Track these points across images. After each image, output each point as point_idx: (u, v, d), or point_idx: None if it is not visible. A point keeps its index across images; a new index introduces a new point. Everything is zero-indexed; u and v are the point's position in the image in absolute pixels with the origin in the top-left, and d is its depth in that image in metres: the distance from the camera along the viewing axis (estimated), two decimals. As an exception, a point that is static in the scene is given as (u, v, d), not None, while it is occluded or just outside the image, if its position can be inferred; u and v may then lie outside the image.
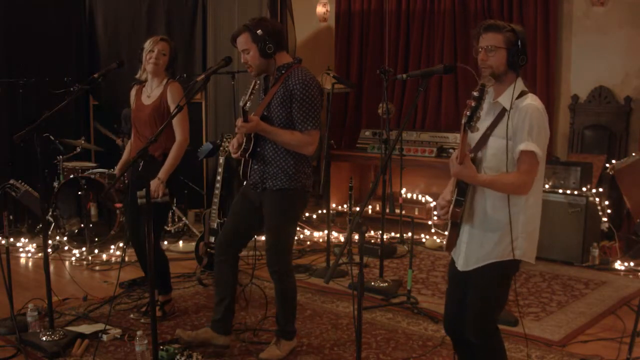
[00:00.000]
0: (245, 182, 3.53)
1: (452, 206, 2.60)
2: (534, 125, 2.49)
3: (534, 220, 2.64)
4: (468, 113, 2.34)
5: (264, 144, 3.34)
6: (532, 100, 2.54)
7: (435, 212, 2.74)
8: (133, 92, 4.12)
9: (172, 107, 3.90)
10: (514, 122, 2.50)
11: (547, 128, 2.56)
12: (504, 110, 2.55)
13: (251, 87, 3.28)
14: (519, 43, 2.57)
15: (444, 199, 2.70)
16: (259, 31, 3.25)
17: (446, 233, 2.73)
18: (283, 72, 3.33)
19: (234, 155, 3.45)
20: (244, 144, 3.36)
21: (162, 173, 3.83)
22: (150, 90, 4.01)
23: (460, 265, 2.70)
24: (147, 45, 3.96)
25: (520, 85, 2.59)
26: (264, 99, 3.35)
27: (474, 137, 2.62)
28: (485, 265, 2.61)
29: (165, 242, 6.01)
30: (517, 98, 2.54)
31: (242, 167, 3.46)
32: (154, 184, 3.78)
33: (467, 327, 2.65)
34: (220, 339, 3.52)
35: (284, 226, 3.41)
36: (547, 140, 2.57)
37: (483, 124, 2.56)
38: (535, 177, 2.53)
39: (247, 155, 3.36)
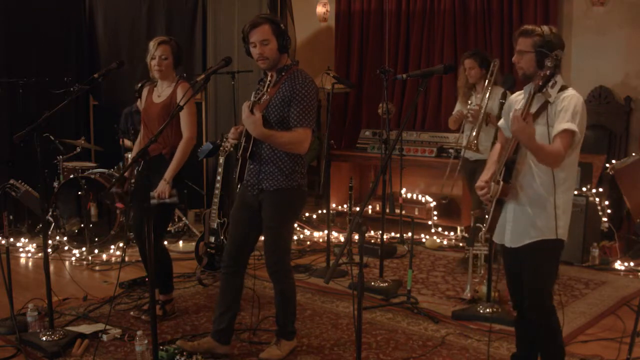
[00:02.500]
0: (240, 186, 3.52)
1: (501, 183, 2.82)
2: (577, 111, 2.74)
3: (569, 203, 2.90)
4: (540, 83, 2.66)
5: (261, 143, 3.34)
6: (574, 92, 2.80)
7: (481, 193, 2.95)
8: (145, 92, 4.14)
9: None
10: (556, 110, 2.76)
11: (585, 119, 2.80)
12: (546, 102, 2.78)
13: (268, 81, 3.27)
14: (545, 46, 2.78)
15: (482, 181, 2.96)
16: (282, 25, 3.26)
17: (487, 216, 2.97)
18: (283, 73, 3.33)
19: (231, 139, 3.41)
20: (243, 142, 3.35)
21: (168, 173, 3.83)
22: (161, 89, 4.03)
23: (508, 242, 2.94)
24: (150, 48, 3.97)
25: (560, 80, 2.82)
26: (264, 99, 3.33)
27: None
28: (532, 242, 2.84)
29: (165, 242, 6.00)
30: (559, 92, 2.79)
31: (238, 169, 3.44)
32: (160, 185, 3.78)
33: (530, 310, 2.90)
34: (222, 348, 3.51)
35: (283, 226, 3.41)
36: (584, 131, 2.80)
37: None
38: (567, 155, 2.76)
39: (247, 154, 3.36)
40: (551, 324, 2.91)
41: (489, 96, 4.85)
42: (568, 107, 2.74)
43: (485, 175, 3.02)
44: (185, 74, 5.93)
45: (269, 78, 3.34)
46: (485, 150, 4.99)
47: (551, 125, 2.76)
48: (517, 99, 3.04)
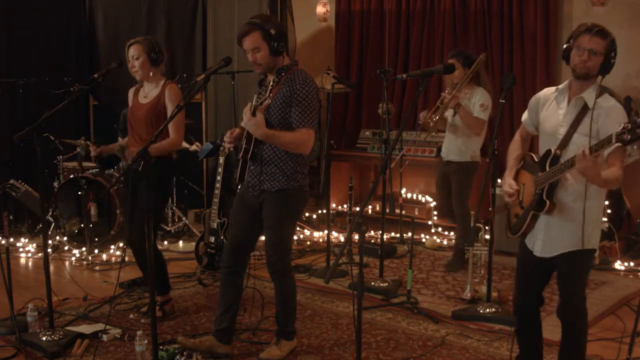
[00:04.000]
0: (240, 186, 3.52)
1: (548, 204, 2.83)
2: (622, 124, 2.64)
3: (601, 212, 2.95)
4: (629, 138, 2.45)
5: (262, 144, 3.34)
6: (615, 102, 2.79)
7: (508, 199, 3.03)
8: (131, 92, 4.14)
9: (169, 108, 3.91)
10: (599, 123, 2.71)
11: None
12: (585, 107, 2.75)
13: (270, 85, 3.30)
14: (614, 53, 2.78)
15: (511, 187, 2.99)
16: (272, 30, 3.23)
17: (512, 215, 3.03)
18: (282, 74, 3.33)
19: (227, 143, 3.41)
20: (244, 144, 3.35)
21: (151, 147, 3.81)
22: (147, 90, 4.03)
23: (539, 252, 2.95)
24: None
25: (598, 84, 2.81)
26: (265, 103, 3.33)
27: (555, 132, 2.86)
28: (566, 253, 2.85)
29: (165, 242, 6.02)
30: (598, 97, 2.76)
31: (239, 170, 3.44)
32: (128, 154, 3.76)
33: (562, 311, 2.92)
34: (223, 347, 3.52)
35: (284, 226, 3.41)
36: None
37: (565, 119, 2.83)
38: None
39: (248, 156, 3.36)
40: (580, 326, 2.94)
41: (468, 96, 4.88)
42: (613, 122, 2.66)
43: (509, 177, 3.03)
44: (185, 74, 5.96)
45: (270, 82, 3.34)
46: (460, 153, 5.01)
47: (593, 136, 2.69)
48: (548, 96, 2.99)
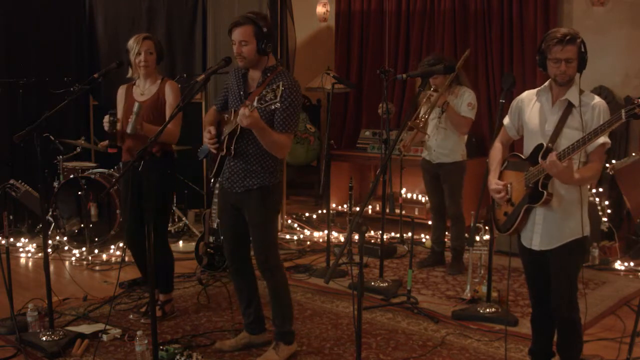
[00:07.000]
0: (217, 184, 3.54)
1: (545, 194, 2.87)
2: (606, 120, 2.79)
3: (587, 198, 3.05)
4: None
5: (247, 141, 3.33)
6: (598, 99, 2.90)
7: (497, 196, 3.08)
8: (122, 91, 4.13)
9: (168, 104, 3.92)
10: (586, 118, 2.84)
11: None
12: (570, 105, 2.88)
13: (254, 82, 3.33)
14: (584, 49, 2.89)
15: (498, 184, 3.04)
16: (264, 28, 3.25)
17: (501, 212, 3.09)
18: (268, 74, 3.33)
19: (211, 147, 3.39)
20: (226, 140, 3.32)
21: (147, 126, 3.81)
22: (144, 87, 4.02)
23: (537, 245, 2.98)
24: (132, 45, 3.94)
25: (578, 81, 2.92)
26: (249, 98, 3.32)
27: (542, 130, 2.94)
28: (566, 243, 2.91)
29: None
30: (581, 95, 2.88)
31: (216, 165, 3.43)
32: (134, 121, 3.77)
33: (558, 305, 2.95)
34: (259, 338, 3.63)
35: (269, 223, 3.44)
36: None
37: (551, 119, 2.92)
38: None
39: (231, 154, 3.33)
40: (576, 319, 2.99)
41: (454, 95, 4.84)
42: (599, 118, 2.81)
43: (494, 177, 3.09)
44: (185, 74, 5.96)
45: (255, 80, 3.34)
46: (451, 154, 4.99)
47: (583, 131, 2.80)
48: (530, 97, 3.06)
